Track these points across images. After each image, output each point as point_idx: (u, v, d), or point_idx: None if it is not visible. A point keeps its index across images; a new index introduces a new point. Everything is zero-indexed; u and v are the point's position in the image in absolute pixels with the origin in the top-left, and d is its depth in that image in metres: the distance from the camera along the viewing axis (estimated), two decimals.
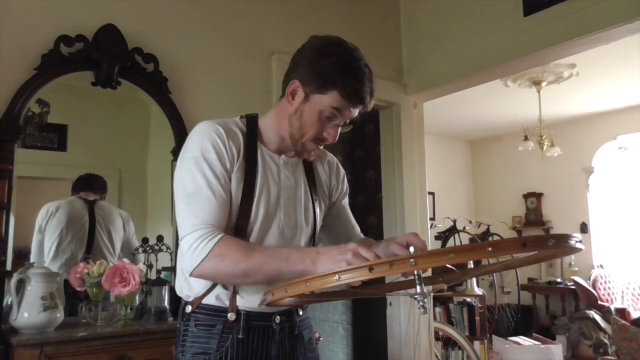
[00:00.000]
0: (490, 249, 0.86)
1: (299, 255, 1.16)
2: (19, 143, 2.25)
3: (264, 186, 1.32)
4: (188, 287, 1.33)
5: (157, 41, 2.57)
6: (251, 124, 1.39)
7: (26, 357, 1.88)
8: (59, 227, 2.50)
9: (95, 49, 2.35)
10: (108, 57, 2.37)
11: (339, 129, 1.34)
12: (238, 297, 1.29)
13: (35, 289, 2.03)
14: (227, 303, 1.28)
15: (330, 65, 1.26)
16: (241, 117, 1.41)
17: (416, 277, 1.01)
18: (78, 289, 2.25)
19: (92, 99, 2.62)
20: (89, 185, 2.61)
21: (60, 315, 2.08)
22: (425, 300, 1.02)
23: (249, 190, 1.29)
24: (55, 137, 2.58)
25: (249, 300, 1.30)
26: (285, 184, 1.37)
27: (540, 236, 0.92)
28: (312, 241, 1.44)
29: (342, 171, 1.58)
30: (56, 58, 2.28)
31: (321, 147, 1.40)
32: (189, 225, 1.21)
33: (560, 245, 0.93)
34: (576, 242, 0.96)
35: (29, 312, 2.00)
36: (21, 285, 2.04)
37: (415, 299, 1.02)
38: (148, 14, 2.61)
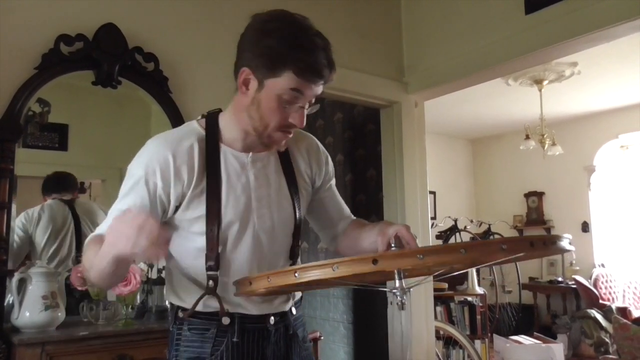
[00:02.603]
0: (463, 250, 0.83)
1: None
2: (19, 142, 2.25)
3: (230, 193, 1.24)
4: (176, 297, 1.31)
5: (158, 40, 2.57)
6: (211, 125, 1.29)
7: (27, 356, 1.88)
8: (45, 232, 2.48)
9: (95, 48, 2.35)
10: (108, 57, 2.36)
11: (305, 110, 1.20)
12: (230, 304, 1.25)
13: (36, 288, 2.04)
14: (218, 308, 1.25)
15: (275, 42, 1.14)
16: (203, 115, 1.33)
17: (396, 271, 0.98)
18: (79, 288, 2.25)
19: (92, 99, 2.62)
20: (61, 185, 2.59)
21: (61, 314, 2.08)
22: (405, 296, 0.98)
23: (213, 203, 1.23)
24: (56, 137, 2.58)
25: (243, 309, 1.27)
26: (254, 185, 1.27)
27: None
28: (295, 238, 1.36)
29: (324, 153, 1.45)
30: (56, 57, 2.28)
31: (290, 134, 1.25)
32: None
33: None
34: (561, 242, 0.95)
35: (31, 311, 2.00)
36: (22, 284, 2.04)
37: (394, 294, 0.98)
38: (148, 13, 2.60)
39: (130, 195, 1.21)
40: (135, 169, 1.22)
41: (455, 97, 4.56)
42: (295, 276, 0.90)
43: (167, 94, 2.55)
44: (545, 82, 5.51)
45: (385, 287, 1.10)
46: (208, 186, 1.23)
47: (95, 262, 1.12)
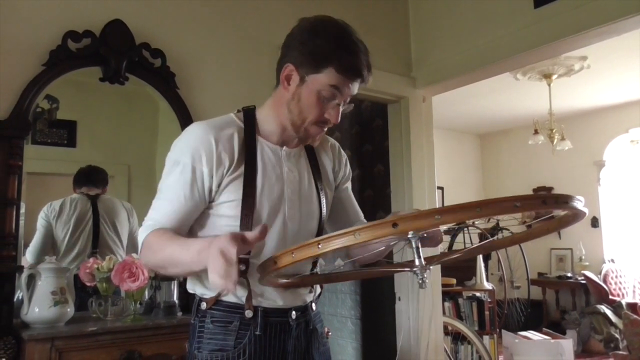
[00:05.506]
0: (478, 209, 0.84)
1: (195, 244, 1.15)
2: (28, 139, 2.26)
3: (266, 182, 1.30)
4: (201, 286, 1.33)
5: (165, 36, 2.57)
6: (249, 118, 1.36)
7: (37, 352, 1.90)
8: (65, 225, 2.50)
9: (102, 44, 2.35)
10: (115, 53, 2.37)
11: (341, 108, 1.30)
12: (255, 297, 1.28)
13: (45, 284, 2.05)
14: (243, 300, 1.27)
15: (322, 42, 1.24)
16: (238, 110, 1.39)
17: (414, 249, 1.00)
18: (88, 284, 2.27)
19: (100, 95, 2.62)
20: (90, 179, 2.61)
21: (70, 310, 2.09)
22: (425, 274, 1.00)
23: (249, 189, 1.28)
24: (64, 133, 2.59)
25: (266, 300, 1.29)
26: (288, 177, 1.34)
27: (531, 195, 0.91)
28: (319, 233, 1.41)
29: (344, 155, 1.56)
30: (64, 54, 2.29)
31: (325, 130, 1.35)
32: (144, 220, 1.27)
33: (552, 205, 0.91)
34: (575, 202, 0.95)
35: (40, 306, 2.02)
36: (32, 280, 2.06)
37: (414, 272, 1.01)
38: (155, 9, 2.61)
39: (179, 182, 1.25)
40: (181, 156, 1.26)
41: (464, 92, 4.54)
42: (319, 247, 0.90)
43: (174, 90, 2.55)
44: (554, 77, 5.47)
45: (406, 268, 1.11)
46: (245, 172, 1.28)
47: (181, 260, 1.16)
